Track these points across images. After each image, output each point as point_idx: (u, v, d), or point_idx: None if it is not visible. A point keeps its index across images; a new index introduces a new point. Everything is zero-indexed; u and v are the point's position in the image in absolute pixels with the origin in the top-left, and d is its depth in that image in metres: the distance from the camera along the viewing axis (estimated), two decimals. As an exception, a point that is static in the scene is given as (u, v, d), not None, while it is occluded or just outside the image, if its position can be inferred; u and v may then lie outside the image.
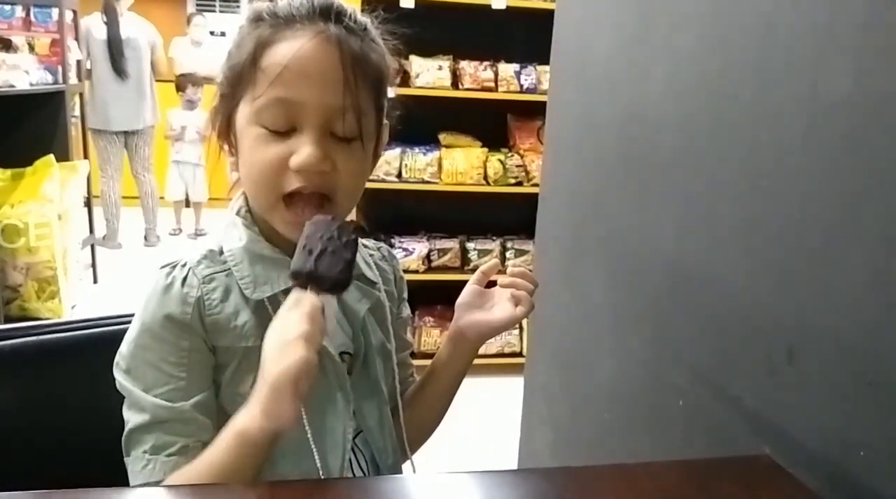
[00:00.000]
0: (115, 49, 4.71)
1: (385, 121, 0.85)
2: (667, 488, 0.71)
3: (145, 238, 5.29)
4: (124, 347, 0.77)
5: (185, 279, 0.77)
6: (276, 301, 0.76)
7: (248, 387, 0.76)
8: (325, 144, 0.75)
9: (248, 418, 0.68)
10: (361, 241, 0.92)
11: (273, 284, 0.78)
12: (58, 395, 0.92)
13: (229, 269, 0.79)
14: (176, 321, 0.75)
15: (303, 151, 0.74)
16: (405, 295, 0.99)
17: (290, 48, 0.74)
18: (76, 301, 3.76)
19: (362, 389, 0.86)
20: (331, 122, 0.75)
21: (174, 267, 0.78)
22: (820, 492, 0.72)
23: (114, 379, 0.77)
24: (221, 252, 0.80)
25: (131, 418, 0.75)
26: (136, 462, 0.74)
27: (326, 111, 0.74)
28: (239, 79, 0.77)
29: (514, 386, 2.06)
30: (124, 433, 0.76)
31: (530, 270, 0.96)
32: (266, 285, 0.78)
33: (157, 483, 0.73)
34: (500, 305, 0.90)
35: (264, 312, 0.77)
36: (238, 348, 0.77)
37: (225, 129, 0.81)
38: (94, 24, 4.69)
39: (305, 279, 0.70)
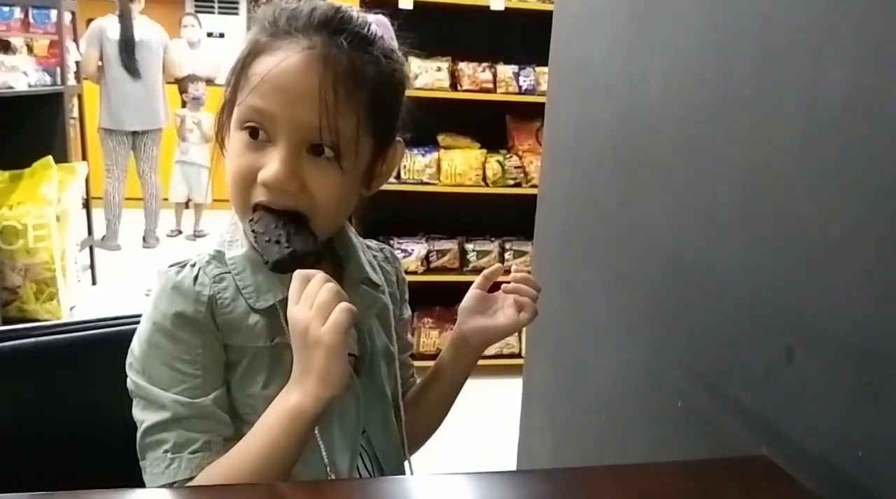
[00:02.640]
0: (128, 48, 4.75)
1: (398, 139, 0.83)
2: (665, 488, 0.72)
3: (144, 239, 5.28)
4: (136, 348, 0.76)
5: (196, 278, 0.76)
6: (285, 304, 0.75)
7: (259, 388, 0.77)
8: (295, 161, 0.73)
9: (299, 396, 0.70)
10: (365, 242, 0.93)
11: (276, 293, 0.77)
12: (57, 396, 0.92)
13: None
14: (188, 319, 0.75)
15: (270, 166, 0.73)
16: (406, 296, 0.99)
17: (274, 61, 0.73)
18: (75, 303, 3.75)
19: (367, 391, 0.86)
20: (305, 139, 0.74)
21: (183, 266, 0.78)
22: (818, 493, 0.73)
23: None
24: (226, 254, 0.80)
25: (148, 417, 0.74)
26: (157, 463, 0.73)
27: (300, 128, 0.73)
28: (234, 83, 0.77)
29: (512, 387, 2.06)
30: (139, 434, 0.75)
31: (529, 272, 0.96)
32: (269, 294, 0.77)
33: (185, 481, 0.72)
34: (504, 311, 0.90)
35: (275, 314, 0.77)
36: (249, 348, 0.77)
37: (222, 130, 0.81)
38: (109, 25, 4.75)
39: (291, 264, 0.73)
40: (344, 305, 0.68)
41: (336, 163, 0.75)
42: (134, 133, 4.96)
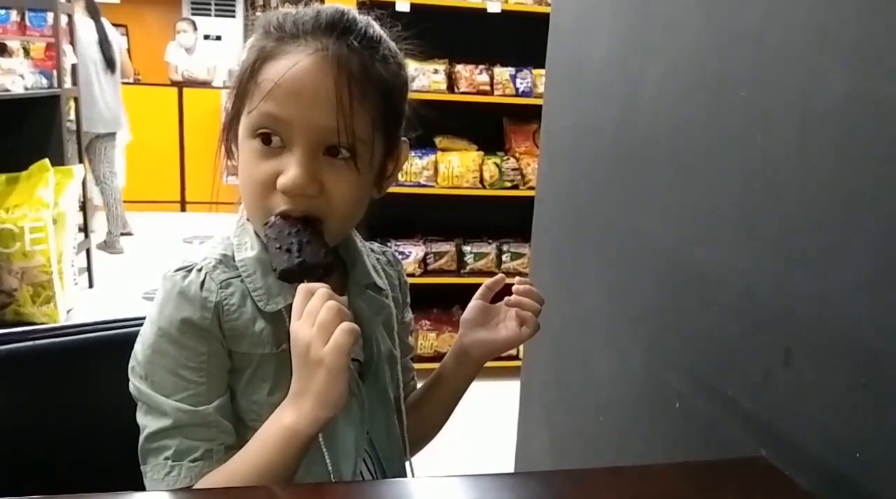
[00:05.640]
0: (107, 46, 4.63)
1: (403, 139, 0.83)
2: (663, 490, 0.72)
3: (106, 245, 5.03)
4: (140, 353, 0.75)
5: (202, 284, 0.75)
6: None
7: (264, 395, 0.76)
8: (313, 165, 0.73)
9: (295, 416, 0.69)
10: (367, 244, 0.92)
11: (286, 296, 0.76)
12: (54, 399, 0.92)
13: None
14: (195, 326, 0.74)
15: (289, 172, 0.72)
16: (408, 299, 0.98)
17: (286, 65, 0.72)
18: (72, 306, 3.74)
19: (371, 396, 0.85)
20: (322, 142, 0.73)
21: (189, 271, 0.76)
22: (816, 494, 0.73)
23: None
24: (234, 257, 0.79)
25: (150, 423, 0.74)
26: (157, 469, 0.73)
27: (317, 132, 0.72)
28: (241, 90, 0.76)
29: (510, 389, 2.06)
30: (141, 440, 0.74)
31: (525, 272, 0.96)
32: (279, 297, 0.77)
33: (184, 489, 0.72)
34: (506, 324, 0.89)
35: (281, 320, 0.76)
36: (254, 355, 0.77)
37: (228, 137, 0.80)
38: (79, 24, 4.47)
39: (299, 274, 0.72)
40: (346, 325, 0.67)
41: (352, 164, 0.74)
42: (96, 136, 4.75)
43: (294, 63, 0.72)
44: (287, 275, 0.73)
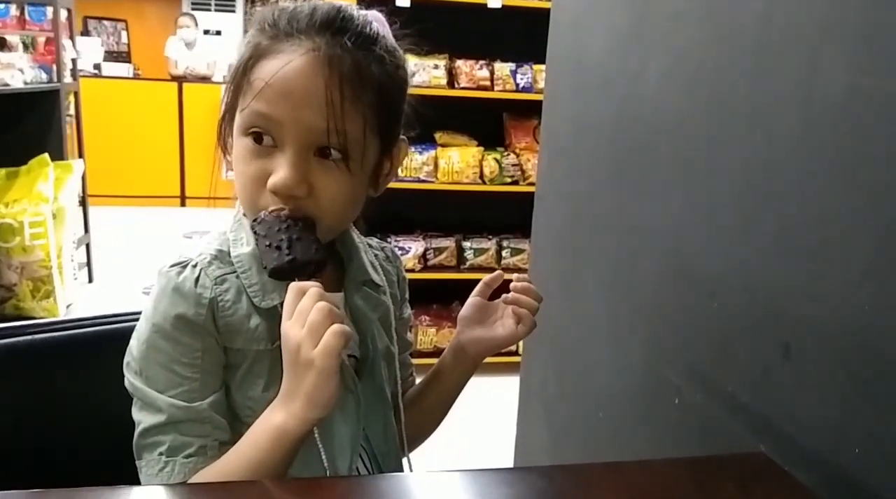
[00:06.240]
0: None
1: (402, 137, 0.82)
2: (662, 485, 0.72)
3: None
4: (134, 349, 0.75)
5: (197, 280, 0.75)
6: None
7: (259, 391, 0.76)
8: (303, 165, 0.73)
9: (284, 416, 0.69)
10: (366, 240, 0.92)
11: (281, 293, 0.76)
12: (53, 394, 0.92)
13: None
14: (189, 322, 0.74)
15: (279, 172, 0.72)
16: (407, 295, 0.98)
17: (278, 64, 0.71)
18: (71, 300, 3.74)
19: (368, 393, 0.85)
20: (312, 143, 0.73)
21: (184, 267, 0.76)
22: (815, 489, 0.73)
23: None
24: (230, 253, 0.79)
25: (144, 418, 0.74)
26: (151, 465, 0.73)
27: (307, 132, 0.72)
28: (235, 87, 0.76)
29: (510, 384, 2.06)
30: (136, 435, 0.74)
31: (525, 267, 0.96)
32: (275, 293, 0.76)
33: (178, 485, 0.72)
34: (503, 322, 0.89)
35: (276, 316, 0.76)
36: (250, 351, 0.77)
37: (224, 133, 0.80)
38: None
39: (290, 272, 0.71)
40: (337, 327, 0.66)
41: (344, 165, 0.74)
42: None
43: (286, 63, 0.71)
44: (278, 273, 0.72)
